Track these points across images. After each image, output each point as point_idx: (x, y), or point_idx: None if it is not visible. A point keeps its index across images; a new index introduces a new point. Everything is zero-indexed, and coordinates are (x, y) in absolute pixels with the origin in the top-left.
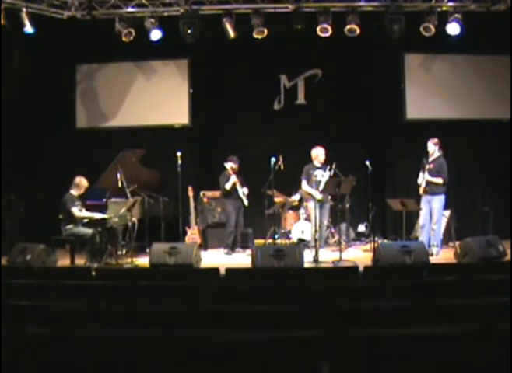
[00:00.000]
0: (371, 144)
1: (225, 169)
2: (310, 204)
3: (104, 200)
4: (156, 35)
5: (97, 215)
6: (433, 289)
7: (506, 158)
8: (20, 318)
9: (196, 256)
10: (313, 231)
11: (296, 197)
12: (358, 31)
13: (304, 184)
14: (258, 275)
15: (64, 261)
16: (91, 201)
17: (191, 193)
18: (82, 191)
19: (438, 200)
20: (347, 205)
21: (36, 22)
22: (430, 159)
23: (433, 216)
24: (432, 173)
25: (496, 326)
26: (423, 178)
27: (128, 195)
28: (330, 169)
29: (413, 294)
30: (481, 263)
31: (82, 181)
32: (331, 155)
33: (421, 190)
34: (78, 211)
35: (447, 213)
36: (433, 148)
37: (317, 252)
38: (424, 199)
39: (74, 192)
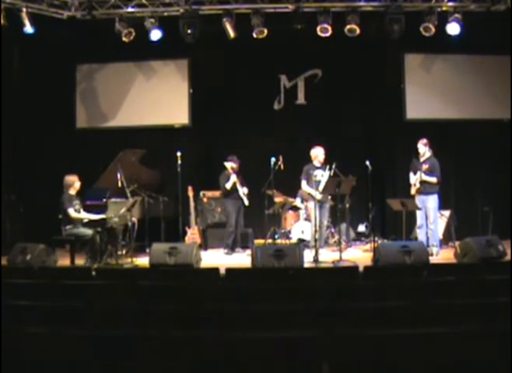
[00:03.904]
0: (371, 144)
1: (225, 168)
2: (310, 204)
3: (104, 200)
4: (156, 35)
5: (93, 216)
6: (433, 289)
7: (506, 158)
8: (20, 318)
9: (196, 256)
10: (313, 231)
11: (297, 201)
12: (358, 31)
13: (304, 184)
14: (258, 275)
15: (64, 261)
16: (91, 201)
17: (191, 193)
18: (78, 187)
19: (432, 200)
20: (347, 205)
21: (36, 22)
22: (422, 159)
23: (428, 216)
24: (426, 173)
25: (496, 326)
26: (416, 178)
27: (128, 195)
28: (330, 169)
29: (413, 294)
30: (481, 263)
31: (69, 179)
32: (331, 155)
33: (413, 191)
34: (73, 212)
35: (447, 213)
36: (423, 148)
37: (317, 252)
38: (418, 199)
39: (71, 191)
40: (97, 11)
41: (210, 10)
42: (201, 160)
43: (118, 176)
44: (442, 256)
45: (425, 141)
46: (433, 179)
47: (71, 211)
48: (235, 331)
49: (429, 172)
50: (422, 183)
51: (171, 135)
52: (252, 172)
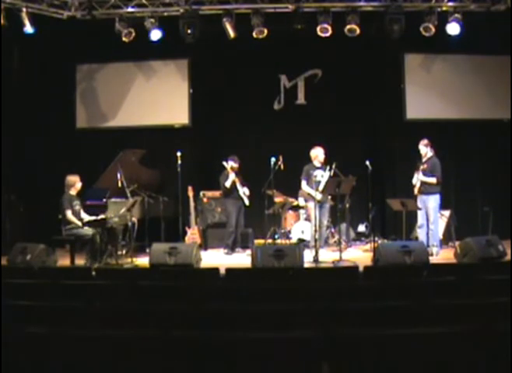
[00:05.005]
0: (371, 144)
1: (225, 168)
2: (310, 204)
3: (104, 200)
4: (156, 35)
5: (90, 219)
6: (433, 289)
7: (506, 158)
8: (20, 318)
9: (196, 256)
10: (313, 231)
11: (300, 201)
12: (358, 31)
13: (304, 184)
14: (258, 275)
15: (64, 261)
16: (91, 201)
17: (191, 193)
18: (79, 188)
19: (433, 200)
20: (347, 205)
21: (36, 22)
22: (424, 160)
23: (429, 216)
24: (426, 173)
25: (496, 326)
26: (417, 178)
27: (128, 195)
28: (330, 169)
29: (413, 294)
30: (481, 263)
31: (71, 179)
32: (331, 155)
33: (416, 190)
34: (70, 215)
35: (447, 213)
36: (424, 149)
37: (317, 252)
38: (419, 199)
39: (71, 191)
40: (97, 11)
41: (210, 10)
42: (201, 160)
43: (118, 176)
44: (442, 256)
45: (425, 141)
46: (431, 180)
47: (68, 213)
48: (235, 331)
49: (428, 173)
50: (422, 183)
51: (171, 135)
52: (252, 172)
